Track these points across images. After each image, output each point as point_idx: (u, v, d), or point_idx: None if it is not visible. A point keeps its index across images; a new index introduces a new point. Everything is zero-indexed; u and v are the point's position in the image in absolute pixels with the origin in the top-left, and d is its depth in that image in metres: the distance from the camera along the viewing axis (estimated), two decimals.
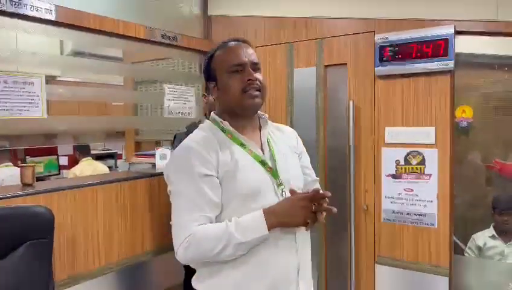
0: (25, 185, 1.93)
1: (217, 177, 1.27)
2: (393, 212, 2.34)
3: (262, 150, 1.37)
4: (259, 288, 1.28)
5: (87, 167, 4.35)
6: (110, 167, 5.33)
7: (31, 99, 1.88)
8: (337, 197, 2.57)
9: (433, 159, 2.22)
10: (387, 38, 2.28)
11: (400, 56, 2.24)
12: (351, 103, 2.42)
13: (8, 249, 1.50)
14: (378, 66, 2.31)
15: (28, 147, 4.93)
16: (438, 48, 2.14)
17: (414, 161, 2.27)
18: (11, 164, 3.97)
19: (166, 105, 2.61)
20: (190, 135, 1.37)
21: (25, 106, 1.87)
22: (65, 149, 5.38)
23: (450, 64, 2.13)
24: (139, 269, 2.24)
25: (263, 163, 1.33)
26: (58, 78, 4.35)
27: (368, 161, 2.42)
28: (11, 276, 1.49)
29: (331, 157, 2.58)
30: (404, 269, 2.31)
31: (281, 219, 1.23)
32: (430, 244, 2.25)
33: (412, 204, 2.29)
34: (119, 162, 5.71)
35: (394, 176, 2.33)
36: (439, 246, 2.22)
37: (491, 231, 3.08)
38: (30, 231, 1.54)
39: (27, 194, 1.79)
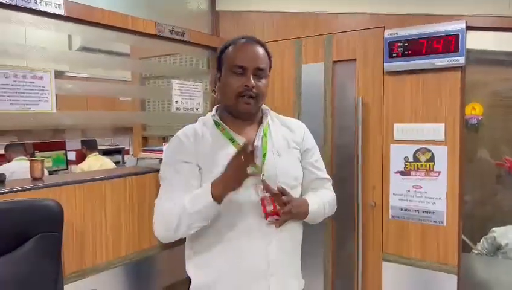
0: (34, 179, 1.94)
1: (198, 166, 1.35)
2: (402, 209, 2.33)
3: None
4: (232, 279, 1.35)
5: (95, 163, 4.38)
6: (117, 162, 5.36)
7: (40, 94, 1.89)
8: (344, 194, 2.55)
9: (442, 156, 2.20)
10: (396, 34, 2.26)
11: (409, 52, 2.22)
12: (360, 99, 2.40)
13: (17, 242, 1.52)
14: (388, 62, 2.29)
15: (36, 141, 4.97)
16: (449, 43, 2.12)
17: (423, 158, 2.25)
18: (25, 157, 4.02)
19: (174, 101, 2.61)
20: (184, 128, 1.45)
21: (34, 101, 1.88)
22: (73, 144, 5.42)
23: (461, 60, 2.10)
24: (147, 263, 2.25)
25: None
26: (67, 74, 4.38)
27: (376, 157, 2.40)
28: (20, 268, 1.50)
29: (338, 154, 2.57)
30: (411, 266, 2.30)
31: (223, 182, 1.25)
32: (439, 242, 2.23)
33: (421, 201, 2.27)
34: (126, 157, 5.74)
35: (403, 173, 2.31)
36: (448, 243, 2.21)
37: None
38: (39, 224, 1.55)
39: (36, 188, 1.80)
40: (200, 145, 1.36)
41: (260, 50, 1.39)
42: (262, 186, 1.33)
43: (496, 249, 3.08)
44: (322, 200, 1.49)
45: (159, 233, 1.37)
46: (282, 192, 1.30)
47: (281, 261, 1.40)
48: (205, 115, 1.51)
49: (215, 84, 1.47)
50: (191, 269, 1.44)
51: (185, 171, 1.34)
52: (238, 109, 1.36)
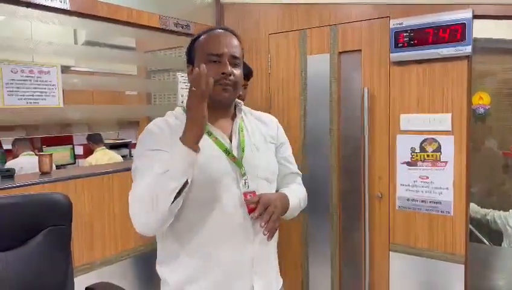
0: (43, 173, 1.96)
1: None
2: (408, 199, 2.32)
3: (230, 139, 1.33)
4: (210, 280, 1.27)
5: (102, 157, 4.42)
6: (124, 156, 5.38)
7: (48, 89, 1.91)
8: (351, 185, 2.56)
9: (449, 146, 2.19)
10: (402, 23, 2.24)
11: (415, 42, 2.21)
12: (365, 89, 2.39)
13: (27, 235, 1.54)
14: (393, 52, 2.28)
15: (44, 136, 5.01)
16: (455, 32, 2.10)
17: (430, 148, 2.24)
18: (32, 152, 4.04)
19: (179, 94, 2.61)
20: (153, 121, 1.34)
21: (41, 95, 1.89)
22: (80, 139, 5.45)
23: (468, 49, 2.08)
24: (155, 255, 2.27)
25: (227, 152, 1.29)
26: (73, 68, 4.39)
27: (383, 148, 2.40)
28: (31, 261, 1.52)
29: (345, 145, 2.57)
30: (418, 256, 2.31)
31: (187, 120, 1.11)
32: (446, 231, 2.23)
33: (428, 192, 2.27)
34: (133, 151, 5.76)
35: (409, 164, 2.31)
36: (455, 233, 2.21)
37: None
38: (49, 217, 1.57)
39: (45, 182, 1.82)
40: (175, 137, 1.17)
41: (233, 39, 1.34)
42: (243, 181, 1.29)
43: (493, 225, 3.11)
44: (297, 195, 1.44)
45: (139, 220, 1.16)
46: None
47: (264, 258, 1.36)
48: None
49: (188, 78, 1.38)
50: (165, 270, 1.35)
51: (158, 156, 1.19)
52: (215, 97, 1.25)
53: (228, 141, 1.32)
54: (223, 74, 1.26)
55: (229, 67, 1.27)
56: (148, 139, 1.27)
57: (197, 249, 1.27)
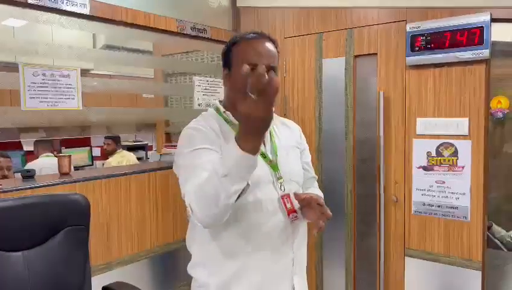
0: (62, 174, 2.00)
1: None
2: (424, 204, 2.30)
3: (263, 143, 1.33)
4: (252, 282, 1.28)
5: (122, 158, 4.50)
6: (140, 158, 5.45)
7: (67, 92, 1.95)
8: (366, 189, 2.55)
9: (466, 151, 2.17)
10: (419, 27, 2.23)
11: (432, 45, 2.19)
12: (381, 93, 2.38)
13: (47, 235, 1.57)
14: (410, 56, 2.27)
15: (63, 138, 5.11)
16: (473, 36, 2.08)
17: (446, 153, 2.22)
18: (51, 154, 4.13)
19: (195, 97, 2.64)
20: (193, 121, 1.35)
21: (61, 98, 1.94)
22: (98, 141, 5.54)
23: (486, 53, 2.06)
24: (171, 256, 2.30)
25: (264, 156, 1.31)
26: (92, 72, 4.48)
27: (398, 152, 2.38)
28: (50, 261, 1.56)
29: (360, 149, 2.56)
30: (434, 262, 2.28)
31: (246, 129, 1.01)
32: (463, 237, 2.20)
33: (444, 197, 2.24)
34: (150, 153, 5.83)
35: (425, 168, 2.29)
36: (472, 239, 2.18)
37: None
38: (68, 217, 1.60)
39: (64, 183, 1.86)
40: (218, 137, 1.25)
41: (271, 47, 1.33)
42: (279, 184, 1.31)
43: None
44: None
45: (202, 213, 1.12)
46: (311, 200, 1.23)
47: (301, 258, 1.40)
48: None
49: (224, 81, 1.37)
50: (203, 273, 1.34)
51: (212, 154, 1.18)
52: None
53: (262, 144, 1.30)
54: None
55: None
56: (194, 137, 1.25)
57: (239, 252, 1.28)
